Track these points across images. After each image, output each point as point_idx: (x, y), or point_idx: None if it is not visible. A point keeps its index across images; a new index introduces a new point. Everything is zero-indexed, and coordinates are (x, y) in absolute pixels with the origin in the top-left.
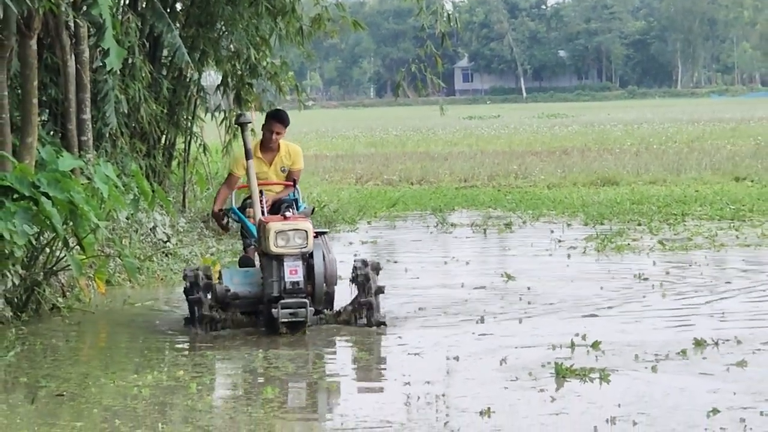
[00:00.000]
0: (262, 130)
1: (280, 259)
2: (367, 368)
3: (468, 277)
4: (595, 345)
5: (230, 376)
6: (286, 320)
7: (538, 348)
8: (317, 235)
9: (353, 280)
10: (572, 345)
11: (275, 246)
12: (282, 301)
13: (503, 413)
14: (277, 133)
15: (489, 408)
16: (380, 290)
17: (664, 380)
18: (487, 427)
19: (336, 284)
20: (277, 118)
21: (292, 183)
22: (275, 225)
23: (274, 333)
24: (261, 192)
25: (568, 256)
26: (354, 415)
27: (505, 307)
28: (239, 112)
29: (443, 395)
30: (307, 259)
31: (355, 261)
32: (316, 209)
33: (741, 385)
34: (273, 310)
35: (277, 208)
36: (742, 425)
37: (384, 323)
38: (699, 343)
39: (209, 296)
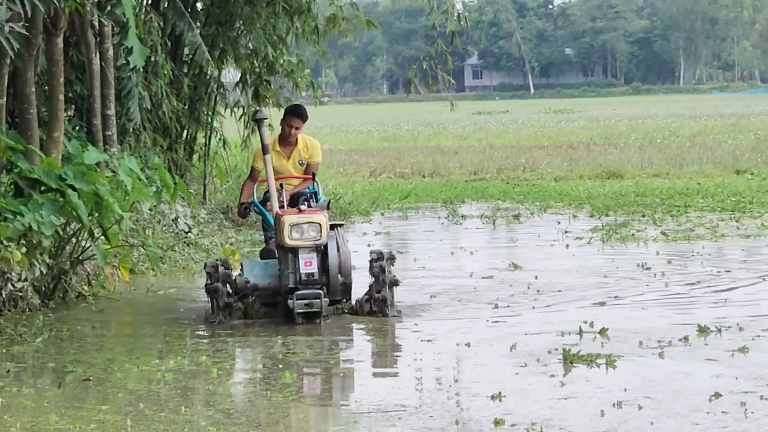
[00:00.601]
0: (281, 124)
1: (295, 251)
2: (382, 354)
3: (477, 267)
4: (603, 332)
5: (250, 362)
6: (301, 311)
7: (546, 335)
8: (333, 227)
9: (371, 271)
10: (580, 332)
11: (290, 239)
12: (297, 292)
13: (514, 397)
14: (296, 128)
15: (500, 392)
16: (395, 282)
17: (669, 365)
18: (499, 411)
19: (351, 275)
20: (295, 113)
21: (311, 176)
22: (290, 218)
23: (292, 322)
24: (281, 185)
25: (567, 246)
26: (369, 399)
27: (514, 295)
28: (256, 108)
29: (456, 381)
30: (322, 251)
31: (371, 253)
32: (332, 201)
33: (743, 371)
34: (289, 300)
35: (296, 200)
36: (743, 409)
37: (397, 316)
38: (702, 330)
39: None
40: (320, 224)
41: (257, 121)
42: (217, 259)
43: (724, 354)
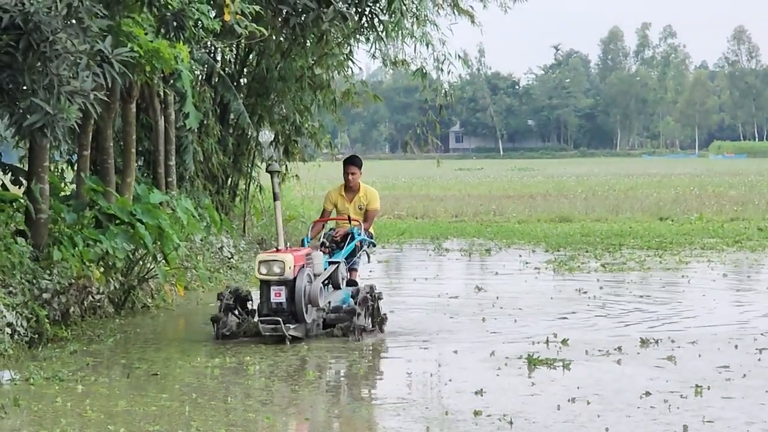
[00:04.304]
0: (343, 173)
1: (268, 284)
2: (387, 358)
3: (454, 289)
4: (564, 342)
5: (281, 362)
6: (268, 334)
7: (519, 343)
8: (331, 263)
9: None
10: (547, 341)
11: (259, 273)
12: (262, 318)
13: (493, 393)
14: (352, 174)
15: (481, 389)
16: (363, 329)
17: (613, 369)
18: (480, 404)
19: (318, 305)
20: (350, 162)
21: (346, 218)
22: (260, 256)
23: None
24: (322, 224)
25: (525, 274)
26: (377, 393)
27: (484, 311)
28: (269, 162)
29: (450, 380)
30: (291, 284)
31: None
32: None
33: (672, 374)
34: (259, 325)
35: (344, 237)
36: (666, 405)
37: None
38: (644, 342)
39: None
40: (284, 262)
41: (270, 173)
42: (230, 290)
43: (659, 361)
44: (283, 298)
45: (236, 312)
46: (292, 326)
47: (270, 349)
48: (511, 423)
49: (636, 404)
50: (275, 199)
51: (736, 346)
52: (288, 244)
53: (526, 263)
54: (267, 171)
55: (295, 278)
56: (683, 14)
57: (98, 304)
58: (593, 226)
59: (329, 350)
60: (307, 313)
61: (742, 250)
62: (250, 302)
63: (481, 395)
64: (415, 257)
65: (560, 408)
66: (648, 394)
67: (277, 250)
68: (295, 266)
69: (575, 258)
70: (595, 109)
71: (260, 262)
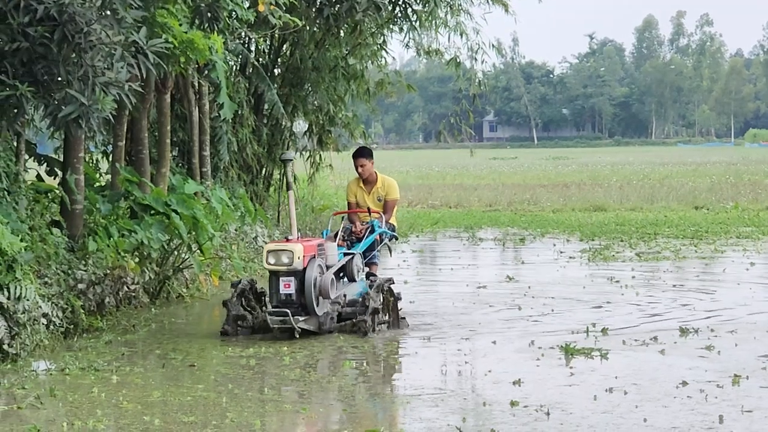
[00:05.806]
0: (354, 168)
1: (277, 275)
2: (425, 349)
3: (488, 278)
4: (604, 331)
5: (317, 352)
6: (276, 326)
7: (557, 333)
8: (349, 255)
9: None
10: (587, 331)
11: (267, 263)
12: (271, 310)
13: (532, 384)
14: (362, 166)
15: (519, 380)
16: (376, 311)
17: (651, 358)
18: (518, 395)
19: (330, 297)
20: (358, 155)
21: (366, 210)
22: (269, 246)
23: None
24: (342, 217)
25: (560, 263)
26: (415, 384)
27: (516, 301)
28: (283, 151)
29: (489, 371)
30: (301, 275)
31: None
32: (386, 234)
33: (711, 364)
34: (267, 317)
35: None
36: (703, 395)
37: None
38: (683, 331)
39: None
40: (293, 252)
41: (284, 162)
42: (245, 279)
43: (697, 350)
44: (292, 290)
45: (250, 301)
46: (301, 318)
47: (305, 340)
48: (548, 414)
49: (673, 394)
50: (288, 188)
51: None
52: (300, 233)
53: (561, 252)
54: (280, 160)
55: (305, 269)
56: (717, 2)
57: (133, 294)
58: (628, 215)
59: (366, 341)
60: (318, 305)
61: None
62: (263, 296)
63: (519, 385)
64: (449, 246)
65: (597, 398)
66: (685, 383)
67: (287, 240)
68: (304, 256)
69: (610, 247)
70: (629, 98)
71: (268, 252)
